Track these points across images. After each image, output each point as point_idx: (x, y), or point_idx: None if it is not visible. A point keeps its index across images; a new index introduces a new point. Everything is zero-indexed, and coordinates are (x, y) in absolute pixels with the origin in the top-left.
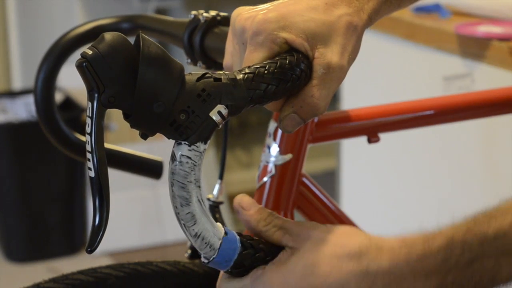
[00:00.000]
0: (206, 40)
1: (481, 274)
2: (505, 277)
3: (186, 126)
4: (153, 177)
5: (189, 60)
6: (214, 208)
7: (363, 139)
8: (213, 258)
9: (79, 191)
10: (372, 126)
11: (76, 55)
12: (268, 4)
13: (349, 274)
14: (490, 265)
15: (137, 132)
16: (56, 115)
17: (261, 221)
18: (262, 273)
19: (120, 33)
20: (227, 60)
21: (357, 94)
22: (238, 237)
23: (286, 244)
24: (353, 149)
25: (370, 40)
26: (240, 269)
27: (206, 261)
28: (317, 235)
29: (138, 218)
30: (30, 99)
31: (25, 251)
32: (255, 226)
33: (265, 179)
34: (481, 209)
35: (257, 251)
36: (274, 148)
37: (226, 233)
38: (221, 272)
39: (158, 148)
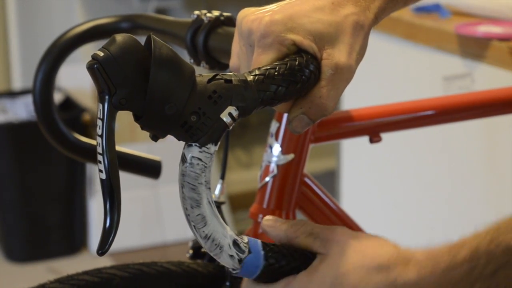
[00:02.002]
0: (210, 41)
1: (506, 283)
2: None
3: (197, 128)
4: (151, 176)
5: (192, 60)
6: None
7: (363, 139)
8: (237, 273)
9: (79, 191)
10: (374, 126)
11: (75, 55)
12: (274, 5)
13: (377, 287)
14: None
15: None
16: (55, 115)
17: (289, 229)
18: (293, 281)
19: (131, 35)
20: (233, 62)
21: (357, 94)
22: (262, 252)
23: (317, 250)
24: (353, 149)
25: (370, 40)
26: (265, 279)
27: (233, 271)
28: (345, 241)
29: (138, 218)
30: (30, 99)
31: (25, 251)
32: (284, 237)
33: (267, 179)
34: (502, 217)
35: (282, 264)
36: (276, 148)
37: (250, 251)
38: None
39: (158, 148)
